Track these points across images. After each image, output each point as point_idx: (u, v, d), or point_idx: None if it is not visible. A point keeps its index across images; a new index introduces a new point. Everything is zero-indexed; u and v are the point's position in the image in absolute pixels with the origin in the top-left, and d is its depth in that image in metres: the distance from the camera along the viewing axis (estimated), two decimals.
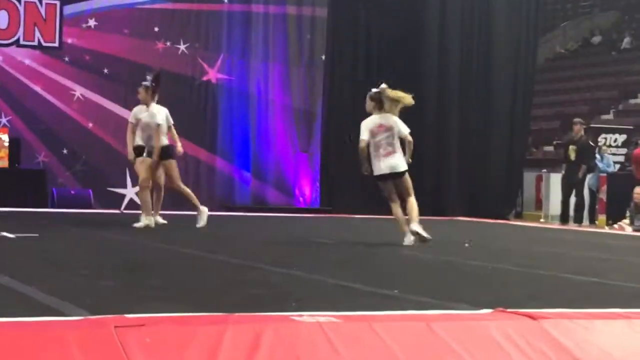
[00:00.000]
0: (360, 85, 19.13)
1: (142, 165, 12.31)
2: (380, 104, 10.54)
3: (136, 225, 11.95)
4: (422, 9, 19.31)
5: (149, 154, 12.16)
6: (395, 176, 10.54)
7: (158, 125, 12.13)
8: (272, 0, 18.68)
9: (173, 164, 12.28)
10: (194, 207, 12.48)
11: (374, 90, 10.75)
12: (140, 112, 12.35)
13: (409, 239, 10.36)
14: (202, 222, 12.24)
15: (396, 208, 10.60)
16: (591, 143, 19.21)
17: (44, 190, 16.28)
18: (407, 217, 10.67)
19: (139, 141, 12.28)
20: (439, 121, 19.17)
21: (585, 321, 4.90)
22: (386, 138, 10.45)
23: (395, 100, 10.50)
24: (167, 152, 12.20)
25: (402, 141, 10.50)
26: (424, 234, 10.32)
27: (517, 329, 4.60)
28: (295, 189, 18.89)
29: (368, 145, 10.38)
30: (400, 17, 19.11)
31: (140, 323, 4.12)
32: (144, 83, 12.32)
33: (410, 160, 10.55)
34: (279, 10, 18.73)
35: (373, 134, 10.43)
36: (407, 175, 10.62)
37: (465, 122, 19.53)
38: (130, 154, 12.48)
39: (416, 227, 10.34)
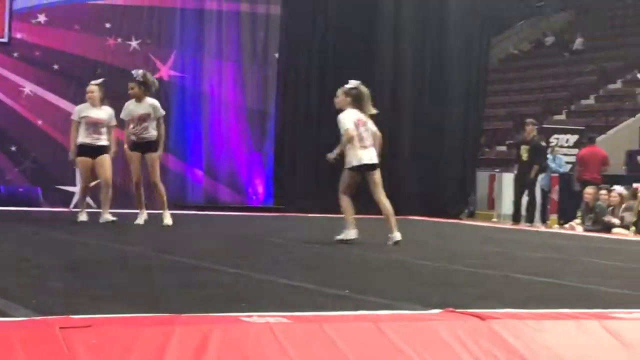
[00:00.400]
0: (314, 84, 19.22)
1: (133, 162, 12.62)
2: (356, 100, 10.63)
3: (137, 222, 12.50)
4: (377, 6, 19.34)
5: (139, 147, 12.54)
6: (372, 167, 10.72)
7: (161, 116, 12.61)
8: None
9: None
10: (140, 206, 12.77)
11: (348, 86, 10.80)
12: (87, 109, 12.62)
13: (353, 234, 10.59)
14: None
15: (384, 198, 10.87)
16: (543, 143, 19.39)
17: None
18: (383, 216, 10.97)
19: (83, 139, 12.47)
20: (393, 121, 19.17)
21: (534, 322, 4.93)
22: (365, 132, 10.59)
23: (369, 98, 10.70)
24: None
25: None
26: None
27: (465, 329, 4.62)
28: (249, 187, 18.89)
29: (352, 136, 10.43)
30: (354, 14, 19.12)
31: (86, 324, 4.09)
32: (136, 78, 12.51)
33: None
34: (232, 7, 18.70)
35: (357, 126, 10.51)
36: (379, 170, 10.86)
37: (419, 122, 19.61)
38: (72, 153, 12.66)
39: (398, 236, 10.62)
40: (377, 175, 10.89)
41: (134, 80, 12.49)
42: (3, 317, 4.52)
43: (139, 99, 12.43)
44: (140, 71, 12.88)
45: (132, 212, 13.20)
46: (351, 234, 10.62)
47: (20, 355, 3.75)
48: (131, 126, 12.51)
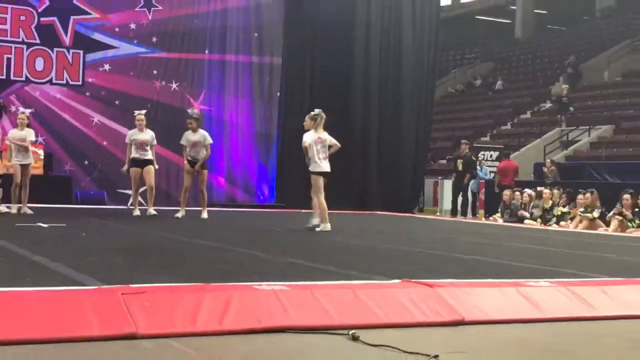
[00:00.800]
0: (306, 115, 19.17)
1: (187, 174, 12.91)
2: (315, 123, 10.72)
3: (176, 215, 12.67)
4: (350, 59, 19.37)
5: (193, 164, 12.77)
6: (328, 175, 10.80)
7: (209, 144, 12.89)
8: (240, 52, 18.60)
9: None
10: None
11: (313, 113, 10.95)
12: (136, 134, 12.81)
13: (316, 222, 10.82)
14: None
15: (323, 199, 10.78)
16: (473, 158, 19.42)
17: (69, 192, 16.11)
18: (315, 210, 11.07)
19: (134, 154, 12.65)
20: (363, 139, 19.23)
21: (468, 288, 4.94)
22: (322, 147, 10.68)
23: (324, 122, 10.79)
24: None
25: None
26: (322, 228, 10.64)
27: (419, 294, 4.63)
28: (258, 190, 18.86)
29: (309, 148, 10.59)
30: (334, 63, 19.15)
31: (141, 291, 4.09)
32: (193, 116, 12.88)
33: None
34: (246, 59, 18.68)
35: (315, 143, 10.61)
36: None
37: (382, 140, 19.63)
38: (127, 165, 12.88)
39: (326, 226, 10.65)
40: (327, 180, 10.97)
41: (192, 117, 12.84)
42: (79, 287, 4.51)
43: (194, 130, 12.60)
44: (196, 110, 13.25)
45: (170, 209, 13.19)
46: (315, 221, 10.87)
47: (92, 314, 3.74)
48: (188, 149, 12.68)
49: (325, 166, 10.74)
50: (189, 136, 12.78)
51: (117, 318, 3.74)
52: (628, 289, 5.36)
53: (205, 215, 12.87)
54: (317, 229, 10.64)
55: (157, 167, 13.08)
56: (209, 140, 12.91)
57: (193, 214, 13.00)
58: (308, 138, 10.64)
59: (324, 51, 19.21)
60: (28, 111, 12.89)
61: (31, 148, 12.52)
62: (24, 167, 12.24)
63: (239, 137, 18.63)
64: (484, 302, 4.71)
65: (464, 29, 41.07)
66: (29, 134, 12.44)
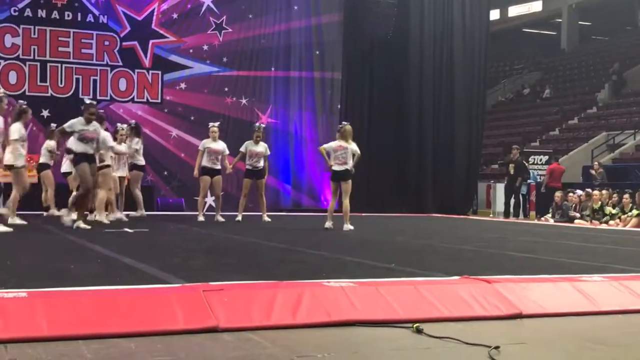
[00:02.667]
0: (364, 125, 19.20)
1: (247, 183, 13.03)
2: (341, 134, 11.08)
3: (237, 219, 12.74)
4: (405, 72, 19.30)
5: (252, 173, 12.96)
6: (342, 177, 11.00)
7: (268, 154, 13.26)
8: (304, 68, 18.70)
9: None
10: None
11: (340, 126, 11.45)
12: (209, 143, 12.95)
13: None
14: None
15: (333, 204, 11.42)
16: (524, 162, 19.12)
17: (152, 200, 16.35)
18: (341, 213, 11.33)
19: (205, 163, 12.80)
20: (418, 146, 19.12)
21: (524, 284, 4.86)
22: (342, 154, 10.98)
23: (350, 133, 11.11)
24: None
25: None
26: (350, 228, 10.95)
27: (477, 290, 4.57)
28: (321, 196, 18.88)
29: (328, 154, 11.11)
30: (390, 75, 19.13)
31: (220, 288, 4.13)
32: (259, 129, 13.11)
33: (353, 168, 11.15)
34: (308, 74, 18.77)
35: (334, 150, 11.00)
36: (350, 181, 11.12)
37: (437, 147, 19.49)
38: (197, 171, 13.05)
39: (348, 226, 10.97)
40: (345, 183, 11.12)
41: (259, 130, 12.98)
42: (164, 285, 4.59)
43: (257, 141, 12.66)
44: (263, 125, 13.33)
45: (245, 214, 13.31)
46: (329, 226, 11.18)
47: (178, 309, 3.79)
48: (248, 158, 12.75)
49: (340, 169, 11.02)
50: (252, 147, 12.84)
51: (200, 313, 3.79)
52: None
53: (267, 218, 12.94)
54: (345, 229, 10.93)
55: (232, 171, 13.31)
56: (268, 151, 13.19)
57: (255, 218, 13.07)
58: (328, 145, 11.25)
59: (381, 65, 19.19)
60: (125, 126, 12.98)
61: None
62: (122, 178, 12.56)
63: (303, 147, 18.70)
64: (540, 296, 4.63)
65: (512, 41, 40.47)
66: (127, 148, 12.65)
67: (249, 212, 14.15)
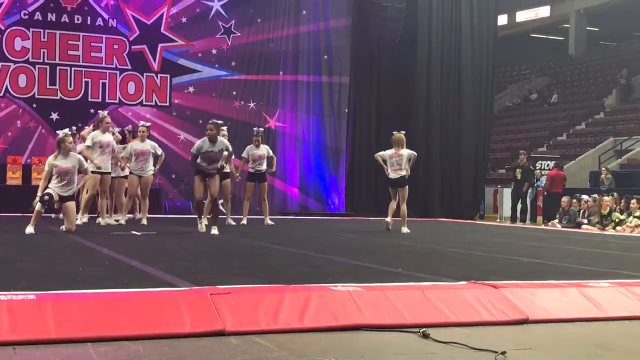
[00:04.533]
0: (372, 129, 19.23)
1: (249, 186, 13.00)
2: (394, 142, 11.79)
3: (242, 222, 12.67)
4: (413, 76, 19.32)
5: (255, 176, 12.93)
6: (398, 184, 11.67)
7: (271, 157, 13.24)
8: (312, 73, 18.71)
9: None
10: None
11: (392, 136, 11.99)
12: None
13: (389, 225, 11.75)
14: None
15: (392, 204, 11.91)
16: (531, 167, 19.09)
17: (160, 203, 16.37)
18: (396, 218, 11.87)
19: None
20: (426, 150, 19.08)
21: (531, 289, 4.86)
22: (397, 161, 11.63)
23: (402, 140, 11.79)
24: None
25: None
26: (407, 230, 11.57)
27: (484, 294, 4.57)
28: (329, 199, 18.88)
29: (385, 161, 11.72)
30: (398, 81, 19.15)
31: (227, 292, 4.14)
32: (259, 133, 12.97)
33: (409, 171, 11.79)
34: (316, 79, 18.78)
35: (390, 157, 11.64)
36: (407, 187, 11.77)
37: (445, 152, 19.50)
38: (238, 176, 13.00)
39: (406, 229, 11.61)
40: (402, 189, 11.78)
41: (257, 135, 12.89)
42: (171, 287, 4.59)
43: (257, 145, 12.67)
44: (261, 129, 13.31)
45: (251, 218, 13.33)
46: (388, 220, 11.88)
47: (185, 312, 3.80)
48: (250, 162, 12.75)
49: (395, 175, 11.62)
50: (253, 151, 12.85)
51: (207, 316, 3.80)
52: None
53: (269, 221, 12.92)
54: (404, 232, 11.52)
55: (239, 179, 13.13)
56: (271, 153, 13.18)
57: (260, 221, 13.07)
58: (383, 152, 11.86)
59: (389, 70, 19.22)
60: (148, 124, 12.68)
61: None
62: (143, 178, 12.11)
63: (311, 151, 18.71)
64: (547, 302, 4.62)
65: (519, 47, 40.41)
66: (151, 146, 12.25)
67: (255, 215, 14.16)
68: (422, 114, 19.30)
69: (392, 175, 11.67)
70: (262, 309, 3.96)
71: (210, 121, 10.53)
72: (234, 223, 12.70)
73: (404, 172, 11.61)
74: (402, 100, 19.14)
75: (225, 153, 10.43)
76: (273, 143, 17.73)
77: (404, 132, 12.04)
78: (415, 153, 11.89)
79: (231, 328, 3.75)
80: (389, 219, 11.85)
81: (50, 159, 9.77)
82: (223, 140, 10.49)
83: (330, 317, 4.01)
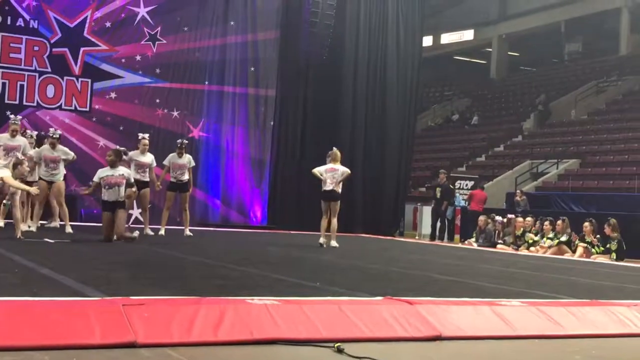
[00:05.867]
0: (297, 143, 19.28)
1: (170, 196, 12.94)
2: (331, 158, 12.16)
3: (160, 233, 12.61)
4: (339, 92, 19.53)
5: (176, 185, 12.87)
6: (332, 198, 11.97)
7: (193, 166, 13.18)
8: (238, 84, 18.64)
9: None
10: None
11: (330, 151, 12.28)
12: (137, 156, 12.54)
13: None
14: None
15: (324, 221, 12.10)
16: (451, 187, 19.50)
17: (75, 210, 15.95)
18: (328, 233, 12.04)
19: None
20: (349, 166, 18.98)
21: (445, 306, 4.93)
22: (332, 176, 11.93)
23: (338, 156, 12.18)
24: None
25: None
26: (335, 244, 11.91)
27: (399, 310, 4.61)
28: (251, 212, 18.81)
29: (322, 174, 11.96)
30: (324, 94, 19.30)
31: (140, 303, 4.06)
32: (181, 144, 12.86)
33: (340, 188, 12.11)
34: (242, 90, 18.71)
35: (326, 171, 11.95)
36: (339, 201, 12.14)
37: (367, 168, 19.72)
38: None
39: (334, 243, 11.92)
40: (335, 205, 12.06)
41: (181, 147, 12.79)
42: (82, 297, 4.48)
43: (180, 155, 12.55)
44: (186, 141, 13.19)
45: (170, 228, 13.13)
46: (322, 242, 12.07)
47: (95, 323, 3.70)
48: (172, 171, 12.61)
49: (330, 189, 11.94)
50: (174, 160, 12.73)
51: (118, 327, 3.71)
52: (593, 310, 5.37)
53: (188, 232, 12.80)
54: (325, 246, 11.84)
55: (160, 187, 12.97)
56: (193, 163, 13.06)
57: (179, 232, 12.92)
58: (319, 168, 12.11)
59: (315, 85, 19.34)
60: (58, 133, 12.53)
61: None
62: (55, 184, 12.07)
63: (235, 163, 18.61)
64: (460, 319, 4.70)
65: (443, 68, 41.37)
66: (62, 152, 12.24)
67: (174, 226, 13.98)
68: (347, 130, 19.48)
69: (327, 187, 11.87)
70: (175, 321, 3.89)
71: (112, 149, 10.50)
72: (152, 233, 12.51)
73: (338, 187, 11.87)
74: (327, 115, 19.28)
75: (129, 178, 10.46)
76: (196, 153, 17.57)
77: (337, 149, 12.42)
78: (349, 171, 12.21)
79: (143, 340, 3.68)
80: (322, 239, 12.02)
81: None
82: (125, 169, 10.52)
83: (246, 330, 3.98)
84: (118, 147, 10.50)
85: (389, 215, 20.06)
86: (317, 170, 12.11)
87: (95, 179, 10.45)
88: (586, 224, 14.28)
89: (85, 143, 16.79)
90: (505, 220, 16.57)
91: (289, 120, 19.23)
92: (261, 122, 18.98)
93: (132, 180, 10.66)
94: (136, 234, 10.70)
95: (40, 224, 12.14)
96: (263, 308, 4.24)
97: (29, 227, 11.65)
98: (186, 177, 12.79)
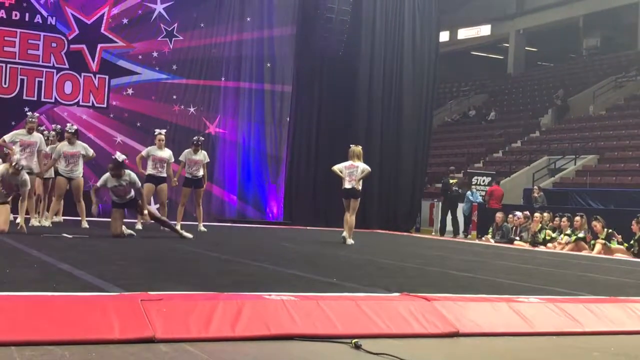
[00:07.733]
0: (312, 138, 19.30)
1: (185, 191, 13.01)
2: (350, 154, 12.05)
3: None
4: (355, 88, 19.51)
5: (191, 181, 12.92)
6: (351, 195, 11.88)
7: (208, 162, 13.26)
8: (254, 80, 18.68)
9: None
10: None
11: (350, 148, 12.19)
12: (155, 150, 12.68)
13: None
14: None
15: (346, 216, 12.03)
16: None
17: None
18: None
19: (150, 171, 12.42)
20: (366, 163, 19.08)
21: (463, 302, 4.91)
22: (350, 173, 11.85)
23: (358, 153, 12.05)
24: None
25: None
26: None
27: (416, 307, 4.61)
28: (267, 208, 18.84)
29: (341, 172, 11.87)
30: (340, 93, 19.29)
31: (158, 298, 4.08)
32: (197, 140, 12.98)
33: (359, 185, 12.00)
34: (259, 86, 18.75)
35: (346, 168, 11.87)
36: (358, 199, 12.02)
37: (384, 165, 19.68)
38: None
39: (350, 240, 11.83)
40: (354, 202, 11.92)
41: (197, 141, 12.94)
42: (101, 292, 4.50)
43: (196, 151, 12.59)
44: (202, 138, 13.30)
45: (186, 224, 13.17)
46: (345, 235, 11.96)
47: (114, 319, 3.73)
48: (187, 167, 12.67)
49: (349, 186, 11.82)
50: (190, 155, 12.78)
51: (136, 323, 3.73)
52: (611, 307, 5.34)
53: (202, 228, 12.86)
54: (346, 243, 11.72)
55: (177, 183, 13.02)
56: (207, 159, 13.16)
57: (195, 227, 12.95)
58: (339, 164, 12.03)
59: (331, 81, 19.34)
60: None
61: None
62: (73, 181, 12.31)
63: (251, 158, 18.65)
64: (478, 315, 4.69)
65: (460, 64, 41.19)
66: (82, 147, 12.47)
67: (190, 221, 14.02)
68: (362, 126, 19.46)
69: (347, 185, 11.83)
70: (193, 317, 3.91)
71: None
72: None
73: (357, 185, 11.82)
74: (343, 111, 19.28)
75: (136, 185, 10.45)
76: (213, 149, 17.63)
77: (360, 146, 12.32)
78: (369, 168, 12.05)
79: (161, 335, 3.69)
80: (345, 233, 11.95)
81: None
82: (130, 173, 10.40)
83: (263, 326, 3.99)
84: (115, 156, 10.32)
85: (405, 211, 20.03)
86: (337, 168, 12.03)
87: (99, 184, 10.38)
88: (594, 222, 14.19)
89: (103, 139, 16.89)
90: (523, 216, 16.47)
91: (304, 116, 19.26)
92: (277, 118, 19.00)
93: (138, 182, 10.55)
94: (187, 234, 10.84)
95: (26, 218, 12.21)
96: (280, 304, 4.25)
97: (39, 222, 11.78)
98: (201, 172, 12.85)
